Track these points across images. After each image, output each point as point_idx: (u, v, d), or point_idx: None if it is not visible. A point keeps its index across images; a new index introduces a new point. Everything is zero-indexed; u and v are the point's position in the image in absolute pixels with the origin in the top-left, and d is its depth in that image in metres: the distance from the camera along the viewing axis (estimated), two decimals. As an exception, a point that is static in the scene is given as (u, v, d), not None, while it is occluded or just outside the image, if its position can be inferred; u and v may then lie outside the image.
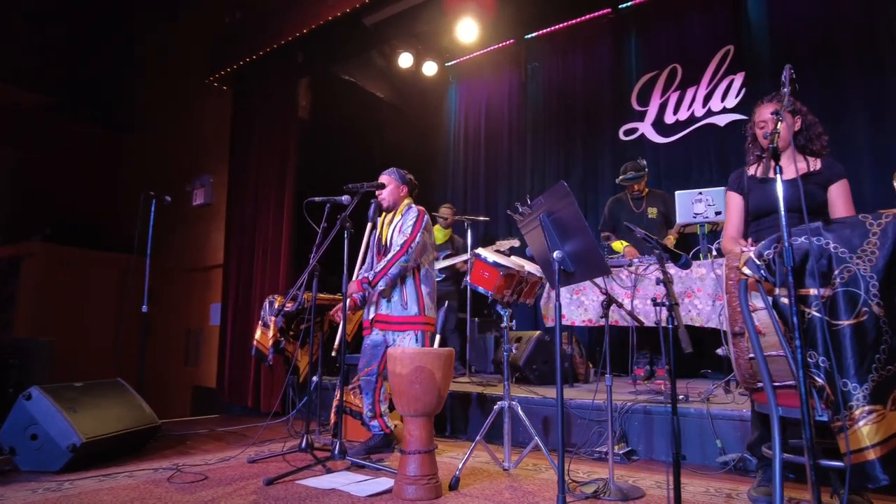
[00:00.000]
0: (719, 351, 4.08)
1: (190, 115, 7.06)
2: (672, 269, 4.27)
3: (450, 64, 7.59)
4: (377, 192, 3.47)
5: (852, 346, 1.62)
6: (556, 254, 2.26)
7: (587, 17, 6.60)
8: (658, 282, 2.04)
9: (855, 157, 4.80)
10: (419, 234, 3.31)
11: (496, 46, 7.21)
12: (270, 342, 3.71)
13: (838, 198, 2.52)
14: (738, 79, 5.53)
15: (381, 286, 3.27)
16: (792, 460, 1.89)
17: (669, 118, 5.93)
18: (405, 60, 7.07)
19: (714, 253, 4.35)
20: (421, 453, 2.57)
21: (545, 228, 2.29)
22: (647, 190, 5.15)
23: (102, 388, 3.53)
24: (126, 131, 7.47)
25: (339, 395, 3.89)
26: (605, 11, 6.46)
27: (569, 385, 4.67)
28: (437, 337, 2.87)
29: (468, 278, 2.84)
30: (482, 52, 7.28)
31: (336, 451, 3.01)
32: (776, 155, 1.75)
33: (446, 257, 5.82)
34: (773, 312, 1.85)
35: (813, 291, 1.68)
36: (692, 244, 4.54)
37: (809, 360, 1.71)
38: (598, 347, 5.33)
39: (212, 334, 6.49)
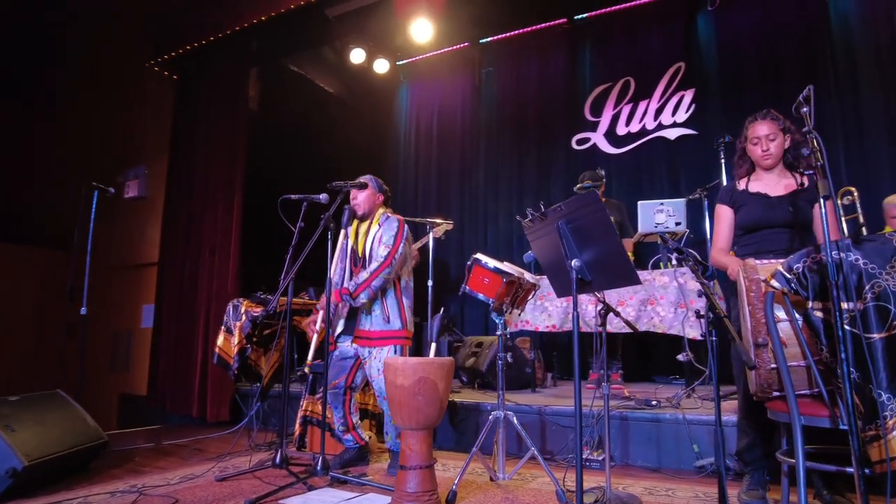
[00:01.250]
0: (680, 357, 4.25)
1: (124, 101, 6.49)
2: (644, 275, 4.40)
3: (401, 63, 7.46)
4: (352, 198, 3.31)
5: (884, 358, 1.69)
6: (574, 262, 2.22)
7: (543, 25, 6.70)
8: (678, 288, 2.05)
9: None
10: (402, 244, 3.19)
11: (450, 48, 7.16)
12: (235, 349, 3.44)
13: (820, 214, 2.64)
14: (689, 95, 5.79)
15: (362, 299, 3.11)
16: (817, 468, 1.94)
17: (622, 130, 6.12)
18: (357, 56, 6.87)
19: (675, 262, 4.51)
20: (422, 468, 2.45)
21: (563, 236, 2.25)
22: (603, 199, 5.27)
23: (42, 402, 3.14)
24: (47, 117, 6.76)
25: (303, 404, 3.71)
26: (560, 21, 6.58)
27: (531, 390, 4.69)
28: (433, 345, 2.76)
29: (465, 285, 2.75)
30: (436, 53, 7.21)
31: (319, 467, 2.83)
32: (824, 172, 1.79)
33: None
34: (797, 324, 1.91)
35: (845, 305, 1.74)
36: (653, 253, 4.69)
37: (840, 370, 1.76)
38: (553, 352, 5.39)
39: (143, 337, 6.00)
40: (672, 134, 5.86)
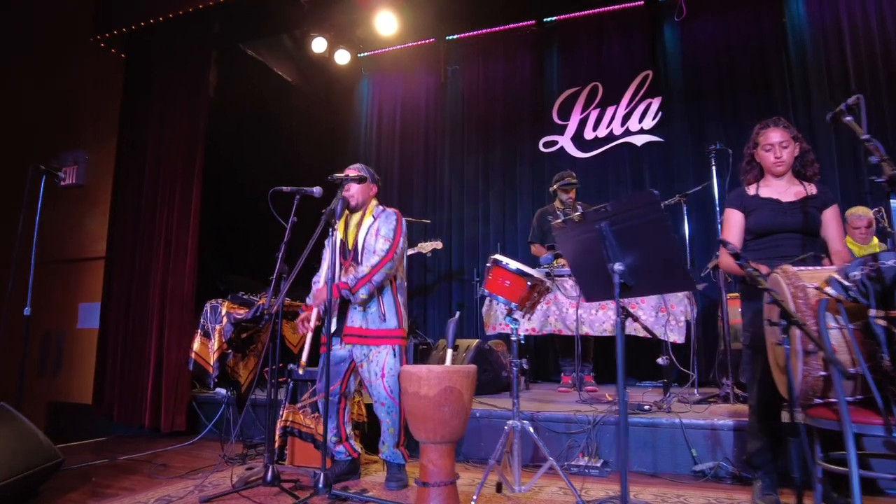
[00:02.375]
0: (660, 360, 4.29)
1: (62, 78, 5.85)
2: None
3: (363, 55, 7.21)
4: (345, 189, 3.10)
5: (947, 366, 1.70)
6: (617, 266, 2.14)
7: (511, 26, 6.67)
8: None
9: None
10: (402, 238, 3.02)
11: (415, 43, 7.00)
12: (215, 355, 3.11)
13: (832, 220, 2.72)
14: (656, 103, 5.92)
15: (362, 294, 2.91)
16: (870, 476, 1.95)
17: (589, 134, 6.17)
18: (318, 46, 6.59)
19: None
20: (445, 485, 2.30)
21: (605, 239, 2.16)
22: (577, 202, 5.26)
23: (-15, 417, 2.72)
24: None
25: (283, 413, 3.44)
26: (528, 23, 6.57)
27: (509, 395, 4.61)
28: (450, 352, 2.60)
29: (484, 287, 2.61)
30: (400, 47, 7.02)
31: (321, 485, 2.60)
32: (893, 183, 1.78)
33: None
34: (851, 331, 1.91)
35: (908, 314, 1.74)
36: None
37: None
38: (526, 356, 5.33)
39: (78, 339, 5.43)
40: (639, 140, 5.97)
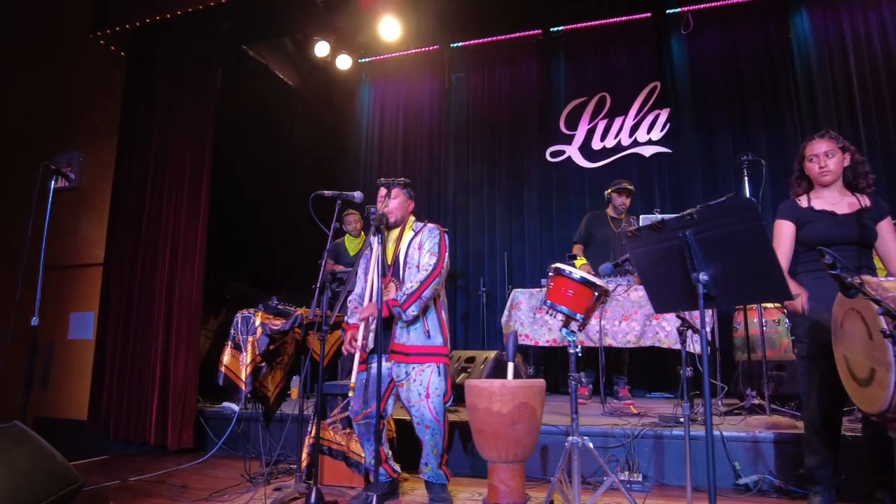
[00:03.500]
0: (685, 371, 4.25)
1: (54, 78, 5.56)
2: (609, 290, 4.38)
3: (364, 60, 7.09)
4: (385, 204, 2.99)
5: None
6: (701, 276, 2.07)
7: (516, 35, 6.64)
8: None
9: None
10: (447, 254, 2.91)
11: (418, 50, 6.93)
12: (248, 368, 2.92)
13: (888, 233, 2.70)
14: (664, 114, 5.94)
15: (413, 311, 2.77)
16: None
17: (597, 144, 6.16)
18: (321, 50, 6.45)
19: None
20: (517, 505, 2.18)
21: (689, 247, 2.09)
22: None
23: (1, 438, 2.49)
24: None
25: (312, 430, 3.27)
26: (535, 32, 6.55)
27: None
28: (511, 365, 2.48)
29: (546, 298, 2.51)
30: (403, 53, 6.93)
31: (372, 506, 2.44)
32: None
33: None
34: (949, 345, 1.87)
35: None
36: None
37: None
38: (540, 367, 5.26)
39: (69, 350, 5.13)
40: (647, 151, 5.98)
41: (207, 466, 3.82)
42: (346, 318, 2.96)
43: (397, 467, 3.03)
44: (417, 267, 2.86)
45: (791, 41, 5.69)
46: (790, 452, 3.17)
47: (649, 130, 5.98)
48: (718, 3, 5.89)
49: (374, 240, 3.03)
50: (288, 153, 6.45)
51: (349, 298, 3.05)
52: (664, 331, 4.35)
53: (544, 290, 4.26)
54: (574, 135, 6.25)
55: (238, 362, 2.93)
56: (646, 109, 6.02)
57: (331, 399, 3.32)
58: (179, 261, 4.36)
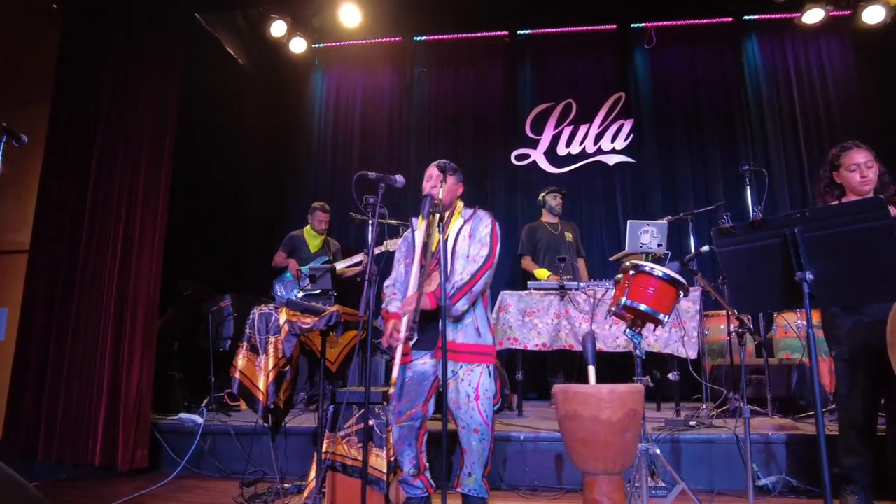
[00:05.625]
0: (671, 376, 4.31)
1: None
2: (599, 294, 4.39)
3: (318, 46, 6.64)
4: (432, 186, 2.74)
5: None
6: (807, 275, 2.02)
7: (483, 34, 6.53)
8: None
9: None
10: (499, 245, 2.70)
11: (379, 40, 6.61)
12: (270, 375, 2.46)
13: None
14: (628, 124, 6.08)
15: (462, 306, 2.53)
16: None
17: (562, 150, 6.19)
18: (278, 29, 5.99)
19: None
20: (619, 520, 2.00)
21: (796, 245, 2.04)
22: (557, 219, 5.25)
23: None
24: None
25: (323, 444, 2.90)
26: (501, 33, 6.48)
27: (517, 414, 4.40)
28: (591, 369, 2.29)
29: (626, 297, 2.35)
30: (361, 41, 6.58)
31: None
32: None
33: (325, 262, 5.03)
34: None
35: None
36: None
37: None
38: (516, 372, 5.12)
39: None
40: (611, 160, 6.09)
41: (176, 490, 3.27)
42: (384, 305, 2.66)
43: (432, 482, 2.75)
44: (467, 257, 2.62)
45: (743, 65, 6.05)
46: (801, 453, 3.27)
47: (613, 139, 6.10)
48: (679, 23, 6.14)
49: (415, 221, 2.76)
50: (236, 136, 5.89)
51: (385, 284, 2.76)
52: (654, 335, 4.38)
53: (602, 290, 4.20)
54: (540, 139, 6.24)
55: (255, 367, 2.49)
56: (610, 119, 6.14)
57: (345, 409, 2.95)
58: (134, 252, 3.75)
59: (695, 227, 4.60)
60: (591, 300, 4.40)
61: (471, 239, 2.66)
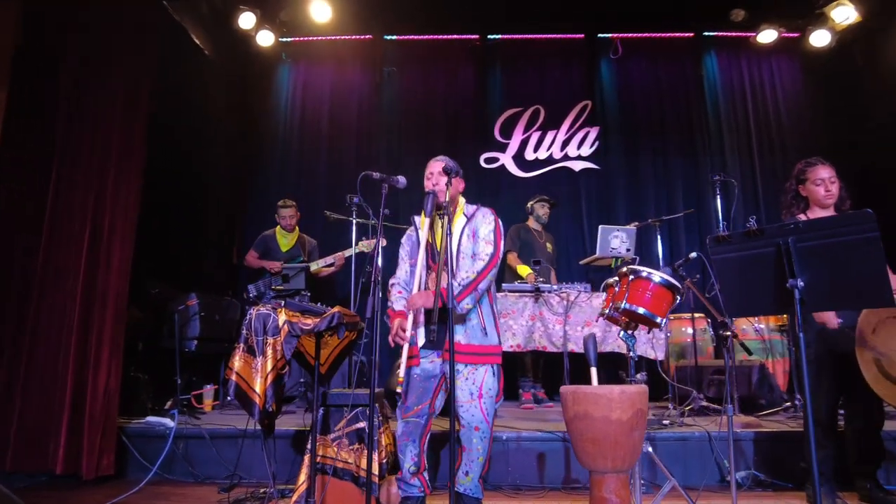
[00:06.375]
0: (639, 377, 4.45)
1: None
2: (572, 296, 4.52)
3: (286, 40, 6.51)
4: (432, 183, 2.76)
5: None
6: (799, 282, 2.16)
7: (454, 36, 6.57)
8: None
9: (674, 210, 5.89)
10: (503, 242, 2.74)
11: (349, 37, 6.56)
12: (269, 377, 2.37)
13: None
14: (594, 132, 6.26)
15: (467, 304, 2.55)
16: None
17: (530, 155, 6.30)
18: (246, 21, 5.87)
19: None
20: (624, 517, 2.07)
21: (789, 254, 2.17)
22: (542, 228, 5.35)
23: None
24: None
25: (311, 445, 2.86)
26: (472, 37, 6.54)
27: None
28: (594, 371, 2.35)
29: (625, 301, 2.42)
30: (330, 38, 6.50)
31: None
32: None
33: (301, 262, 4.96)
34: None
35: None
36: (606, 275, 4.88)
37: None
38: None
39: None
40: (577, 166, 6.25)
41: (151, 498, 3.13)
42: (389, 304, 2.66)
43: (429, 482, 2.75)
44: (472, 256, 2.64)
45: (703, 79, 6.34)
46: (766, 449, 3.46)
47: (580, 146, 6.26)
48: (644, 35, 6.37)
49: (417, 220, 2.77)
50: (199, 130, 5.68)
51: (391, 282, 2.76)
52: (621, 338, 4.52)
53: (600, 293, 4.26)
54: (509, 143, 6.33)
55: (251, 369, 2.42)
56: (577, 126, 6.30)
57: (335, 411, 2.91)
58: (104, 246, 3.56)
59: (662, 234, 4.77)
60: (565, 302, 4.50)
61: (474, 237, 2.69)
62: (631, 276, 2.45)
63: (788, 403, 4.26)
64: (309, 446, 2.80)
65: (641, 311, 2.39)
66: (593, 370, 2.31)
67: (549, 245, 5.28)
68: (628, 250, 4.80)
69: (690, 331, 4.71)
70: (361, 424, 2.85)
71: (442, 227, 2.70)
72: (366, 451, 2.81)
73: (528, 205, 5.27)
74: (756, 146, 6.15)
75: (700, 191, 6.08)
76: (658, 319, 2.41)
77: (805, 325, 3.03)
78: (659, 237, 4.75)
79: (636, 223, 4.83)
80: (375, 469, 2.78)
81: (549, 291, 4.52)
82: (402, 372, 2.40)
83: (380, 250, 2.39)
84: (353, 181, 6.18)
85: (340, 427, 2.90)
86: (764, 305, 2.33)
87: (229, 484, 3.25)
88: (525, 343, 4.49)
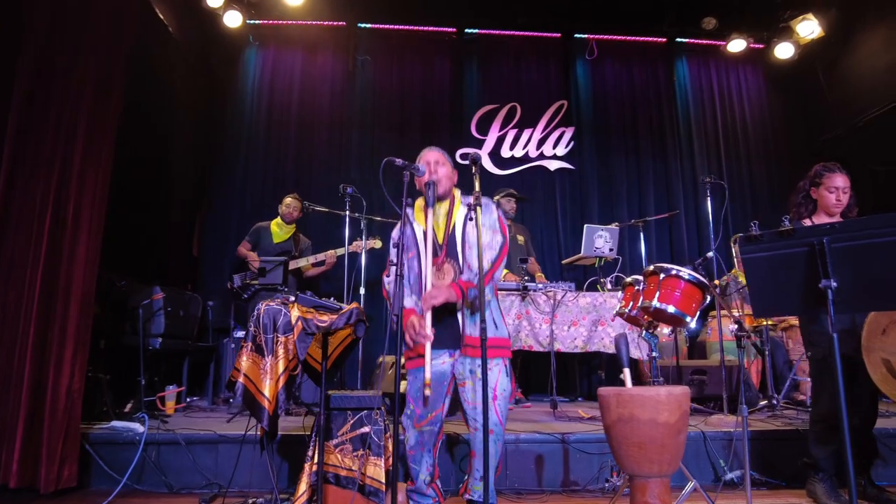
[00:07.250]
0: (622, 376, 4.46)
1: None
2: (559, 295, 4.49)
3: (254, 22, 6.17)
4: (433, 174, 2.63)
5: None
6: (832, 283, 2.16)
7: (430, 28, 6.42)
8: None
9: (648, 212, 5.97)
10: (507, 230, 2.64)
11: (320, 23, 6.30)
12: (281, 380, 2.14)
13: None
14: (569, 132, 6.26)
15: (486, 296, 2.42)
16: None
17: (506, 152, 6.24)
18: None
19: (609, 286, 4.78)
20: (667, 522, 2.01)
21: (824, 254, 2.16)
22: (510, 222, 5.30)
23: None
24: None
25: (313, 454, 2.67)
26: (449, 30, 6.42)
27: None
28: (627, 371, 2.27)
29: (656, 300, 2.35)
30: (300, 22, 6.22)
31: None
32: None
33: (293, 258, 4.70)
34: None
35: None
36: (589, 275, 4.87)
37: None
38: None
39: None
40: (552, 165, 6.24)
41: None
42: (389, 301, 2.48)
43: (442, 490, 2.60)
44: (484, 246, 2.52)
45: (675, 83, 6.46)
46: (758, 448, 3.50)
47: (555, 146, 6.24)
48: (619, 38, 6.43)
49: (411, 212, 2.62)
50: (161, 111, 5.29)
51: (386, 280, 2.58)
52: (609, 336, 4.51)
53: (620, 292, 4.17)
54: (485, 140, 6.24)
55: (259, 370, 2.19)
56: (553, 125, 6.28)
57: (336, 414, 2.72)
58: (67, 238, 3.19)
59: (645, 234, 4.80)
60: (552, 301, 4.45)
61: (474, 226, 2.57)
62: (661, 275, 2.39)
63: (765, 402, 4.36)
64: (310, 453, 2.60)
65: (672, 310, 2.34)
66: (626, 371, 2.23)
67: (520, 238, 5.21)
68: (611, 250, 4.82)
69: (667, 331, 4.75)
70: (367, 429, 2.68)
71: (447, 217, 2.59)
72: (371, 458, 2.65)
73: (494, 199, 5.17)
74: (724, 148, 6.32)
75: (671, 191, 6.19)
76: (688, 318, 2.36)
77: (810, 326, 3.11)
78: (643, 237, 4.77)
79: (617, 223, 4.85)
80: (382, 477, 2.62)
81: (536, 290, 4.46)
82: (428, 373, 2.24)
83: (403, 244, 2.20)
84: (326, 176, 6.00)
85: (344, 432, 2.71)
86: (791, 305, 2.32)
87: (211, 494, 2.99)
88: (511, 342, 4.40)
